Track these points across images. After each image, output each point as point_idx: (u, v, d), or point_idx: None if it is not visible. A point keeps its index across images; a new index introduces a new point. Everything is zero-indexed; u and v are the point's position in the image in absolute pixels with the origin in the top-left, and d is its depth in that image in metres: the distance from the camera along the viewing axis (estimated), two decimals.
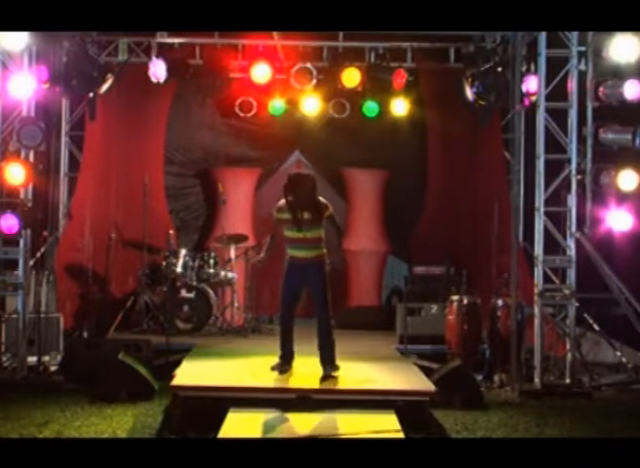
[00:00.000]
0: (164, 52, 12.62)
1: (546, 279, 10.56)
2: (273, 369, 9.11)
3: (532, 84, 11.25)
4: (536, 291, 10.44)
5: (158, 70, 12.45)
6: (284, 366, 9.13)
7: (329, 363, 8.99)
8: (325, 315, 9.07)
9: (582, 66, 10.69)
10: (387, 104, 13.44)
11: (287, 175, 9.40)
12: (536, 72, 10.84)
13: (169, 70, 12.50)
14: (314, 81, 12.99)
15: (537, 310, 10.41)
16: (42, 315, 10.56)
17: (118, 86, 12.29)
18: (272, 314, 13.34)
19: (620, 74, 10.38)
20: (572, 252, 10.57)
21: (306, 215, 8.95)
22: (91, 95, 11.75)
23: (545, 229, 10.54)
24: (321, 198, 9.11)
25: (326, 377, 8.89)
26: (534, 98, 11.02)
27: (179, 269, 12.53)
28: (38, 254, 11.20)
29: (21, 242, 10.36)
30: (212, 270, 12.81)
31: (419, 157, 13.93)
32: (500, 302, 10.78)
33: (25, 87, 10.26)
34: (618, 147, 10.58)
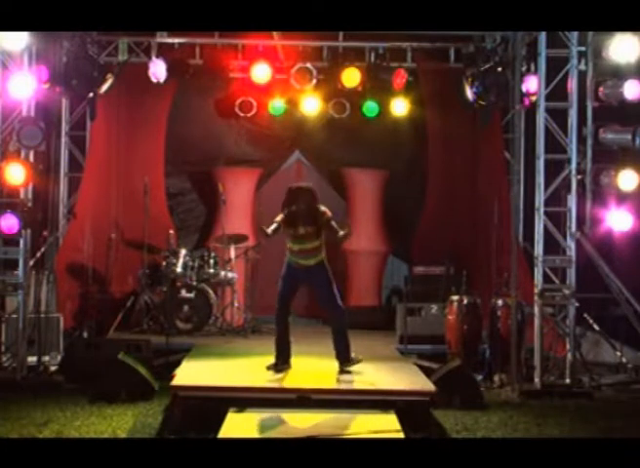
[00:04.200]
0: (164, 52, 12.62)
1: (546, 279, 10.56)
2: (269, 368, 9.09)
3: (532, 84, 11.26)
4: (536, 291, 10.44)
5: (158, 70, 12.46)
6: (281, 365, 9.13)
7: (344, 360, 9.09)
8: (337, 313, 9.14)
9: (582, 66, 10.70)
10: (387, 104, 13.45)
11: (287, 188, 9.24)
12: (536, 72, 10.85)
13: (169, 70, 12.51)
14: (314, 81, 12.99)
15: (537, 310, 10.40)
16: (42, 315, 10.56)
17: (118, 86, 12.29)
18: (272, 314, 13.30)
19: (619, 74, 10.40)
20: (572, 252, 10.56)
21: (305, 230, 8.93)
22: (91, 95, 11.74)
23: (545, 229, 10.54)
24: (321, 206, 9.05)
25: (342, 372, 9.06)
26: (534, 98, 11.02)
27: (179, 269, 12.52)
28: (38, 254, 11.20)
29: (21, 242, 10.35)
30: (212, 270, 12.81)
31: (419, 157, 13.92)
32: (500, 302, 10.79)
33: (25, 87, 10.26)
34: (618, 147, 10.59)
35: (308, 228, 8.94)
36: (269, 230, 8.95)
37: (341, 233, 8.99)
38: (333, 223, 9.08)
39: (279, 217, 8.99)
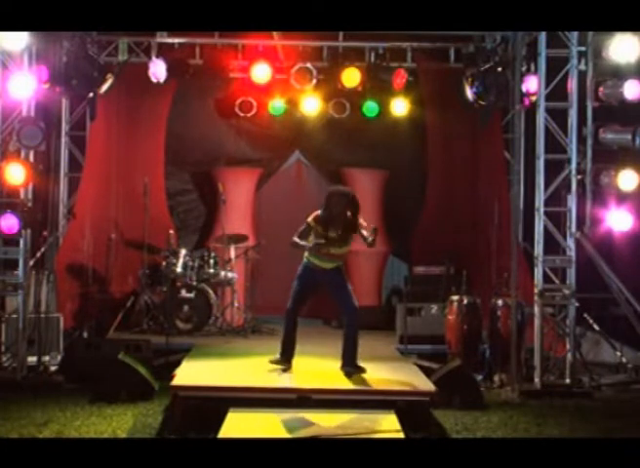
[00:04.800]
0: (164, 52, 12.61)
1: (546, 279, 10.57)
2: (272, 362, 9.10)
3: (532, 84, 11.26)
4: (536, 291, 10.44)
5: (158, 70, 12.45)
6: (285, 363, 9.13)
7: (349, 363, 9.02)
8: (353, 317, 9.05)
9: (582, 66, 10.70)
10: (387, 104, 13.45)
11: (328, 189, 9.25)
12: (536, 72, 10.85)
13: (169, 70, 12.50)
14: (314, 81, 12.99)
15: (537, 310, 10.41)
16: (42, 315, 10.57)
17: (118, 86, 12.28)
18: (272, 314, 13.30)
19: (619, 74, 10.40)
20: (572, 252, 10.57)
21: (336, 233, 8.90)
22: (91, 95, 11.74)
23: (545, 229, 10.54)
24: (360, 219, 8.99)
25: (343, 372, 9.00)
26: (534, 98, 11.03)
27: (179, 269, 12.52)
28: (38, 254, 11.20)
29: (21, 242, 10.36)
30: (212, 270, 12.80)
31: (419, 157, 13.91)
32: (500, 302, 10.79)
33: (25, 87, 10.27)
34: (618, 147, 10.59)
35: (338, 232, 8.92)
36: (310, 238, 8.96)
37: (370, 239, 8.91)
38: (364, 232, 9.02)
39: (310, 217, 8.96)
